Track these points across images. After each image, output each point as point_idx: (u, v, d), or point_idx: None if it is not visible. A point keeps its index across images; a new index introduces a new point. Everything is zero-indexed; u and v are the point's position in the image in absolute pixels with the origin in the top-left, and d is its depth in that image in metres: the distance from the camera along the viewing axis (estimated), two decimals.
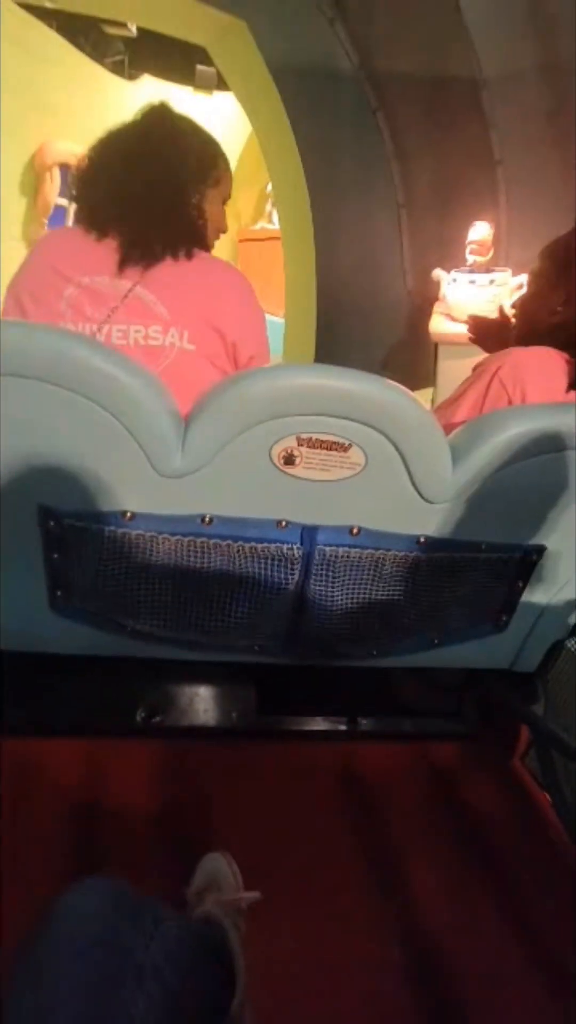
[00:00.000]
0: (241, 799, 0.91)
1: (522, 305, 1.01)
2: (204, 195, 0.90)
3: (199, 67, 4.17)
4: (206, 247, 0.90)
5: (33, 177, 3.58)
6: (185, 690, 0.98)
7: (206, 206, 0.90)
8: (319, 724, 1.03)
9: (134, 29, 3.84)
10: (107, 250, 0.82)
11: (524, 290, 1.99)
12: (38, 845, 0.79)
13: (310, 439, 0.64)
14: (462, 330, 2.10)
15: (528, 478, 0.70)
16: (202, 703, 0.99)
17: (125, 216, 0.82)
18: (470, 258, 2.09)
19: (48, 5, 2.61)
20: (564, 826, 0.92)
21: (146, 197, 0.83)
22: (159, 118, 0.90)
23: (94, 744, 0.95)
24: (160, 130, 0.89)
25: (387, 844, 0.87)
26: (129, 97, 4.17)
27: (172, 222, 0.84)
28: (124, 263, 0.81)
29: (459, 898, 0.81)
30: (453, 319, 2.07)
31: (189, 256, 0.84)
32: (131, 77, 4.27)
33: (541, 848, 0.90)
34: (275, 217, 3.55)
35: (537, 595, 0.83)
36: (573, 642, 0.91)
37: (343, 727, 1.04)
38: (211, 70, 3.84)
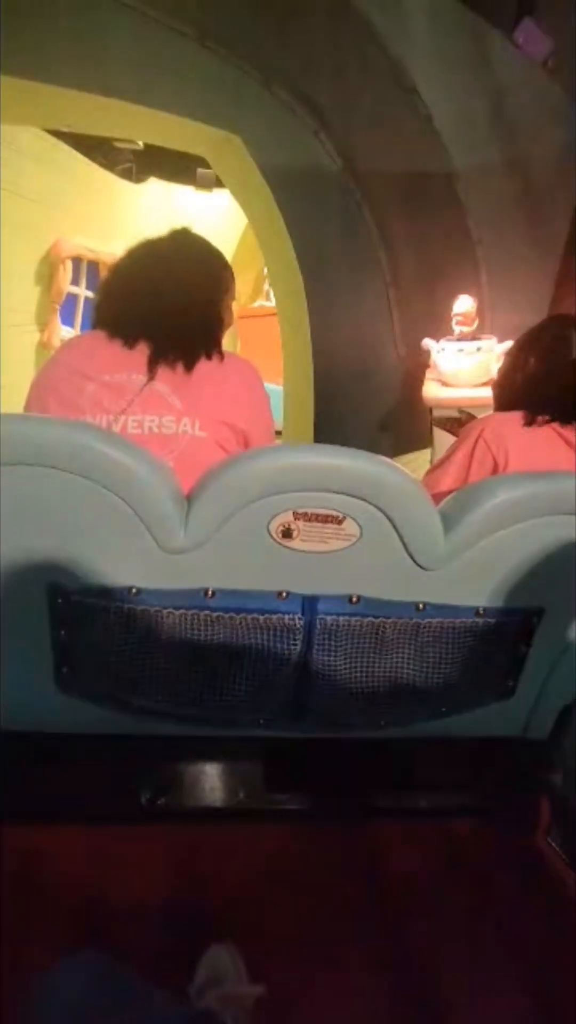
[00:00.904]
0: (250, 883, 0.86)
1: (500, 378, 1.12)
2: (226, 305, 0.99)
3: (199, 170, 4.61)
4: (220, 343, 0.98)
5: (48, 269, 3.89)
6: (191, 769, 0.96)
7: (224, 314, 0.99)
8: (331, 802, 1.00)
9: (141, 143, 4.29)
10: (127, 351, 0.89)
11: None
12: (39, 936, 0.75)
13: (306, 513, 0.67)
14: (453, 394, 2.20)
15: (520, 543, 0.72)
16: (209, 782, 0.96)
17: (156, 326, 0.89)
18: (457, 328, 2.22)
19: (65, 129, 2.94)
20: None
21: (177, 312, 0.91)
22: (184, 242, 0.99)
23: (97, 830, 0.91)
24: (186, 252, 0.98)
25: (403, 930, 0.82)
26: (137, 198, 4.61)
27: (200, 331, 0.92)
28: (153, 365, 0.87)
29: (480, 984, 0.75)
30: (445, 384, 2.16)
31: (210, 357, 0.92)
32: (138, 180, 4.72)
33: (565, 927, 0.84)
34: (272, 294, 3.79)
35: (542, 658, 0.82)
36: None
37: (356, 804, 1.00)
38: (210, 172, 4.24)
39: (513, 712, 0.85)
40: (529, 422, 0.97)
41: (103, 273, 3.60)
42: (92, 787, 0.92)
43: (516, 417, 0.99)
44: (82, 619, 0.73)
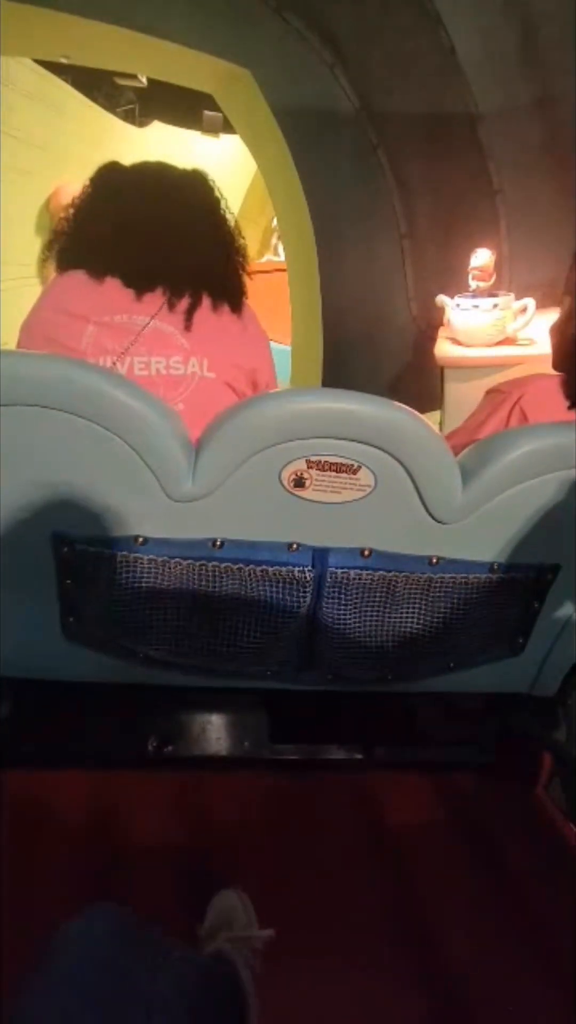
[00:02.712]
0: (255, 831, 0.88)
1: (556, 331, 0.93)
2: (231, 235, 0.94)
3: (206, 112, 4.37)
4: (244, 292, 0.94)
5: (48, 219, 3.74)
6: (197, 718, 0.97)
7: (233, 244, 0.94)
8: (334, 753, 1.01)
9: (144, 80, 4.05)
10: (126, 291, 0.84)
11: (528, 314, 2.00)
12: (44, 880, 0.77)
13: (319, 462, 0.65)
14: (467, 353, 2.12)
15: (539, 497, 0.69)
16: (214, 732, 0.97)
17: (160, 262, 0.85)
18: (473, 284, 2.13)
19: (63, 61, 2.76)
20: None
21: (183, 245, 0.86)
22: (164, 171, 0.93)
23: (103, 775, 0.93)
24: (172, 181, 0.92)
25: (405, 877, 0.84)
26: (140, 142, 4.38)
27: (209, 267, 0.87)
28: (161, 304, 0.83)
29: (480, 933, 0.77)
30: (458, 343, 2.09)
31: (227, 297, 0.88)
32: (141, 124, 4.48)
33: (566, 882, 0.86)
34: (280, 249, 3.64)
35: (554, 616, 0.81)
36: None
37: (359, 756, 1.01)
38: (217, 115, 4.03)
39: (521, 669, 0.85)
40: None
41: None
42: (99, 734, 0.94)
43: (555, 383, 0.85)
44: (88, 568, 0.72)
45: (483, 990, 0.71)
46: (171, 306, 0.84)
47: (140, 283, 0.84)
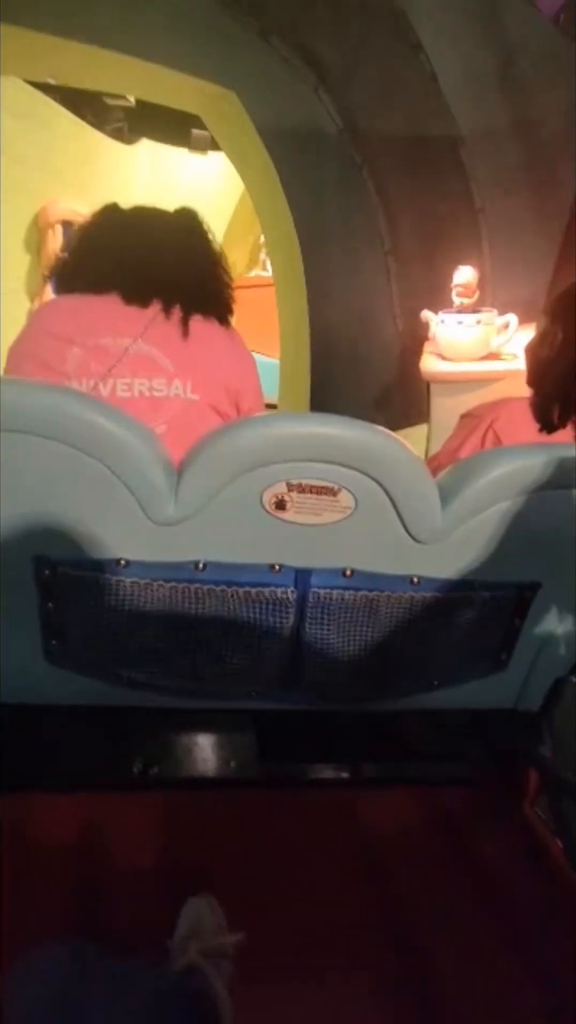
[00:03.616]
0: (243, 851, 0.87)
1: (531, 350, 0.96)
2: (220, 262, 0.97)
3: (194, 131, 4.42)
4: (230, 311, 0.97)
5: (37, 235, 3.75)
6: (183, 739, 0.96)
7: (222, 273, 0.97)
8: (322, 772, 1.01)
9: (132, 99, 4.10)
10: (112, 314, 0.85)
11: (510, 330, 2.04)
12: (34, 905, 0.76)
13: (299, 484, 0.65)
14: (452, 368, 2.15)
15: (517, 516, 0.70)
16: (200, 752, 0.96)
17: (151, 285, 0.87)
18: (457, 300, 2.16)
19: (52, 82, 2.80)
20: (574, 870, 0.88)
21: (174, 269, 0.89)
22: (158, 210, 0.97)
23: (90, 798, 0.92)
24: (166, 215, 0.96)
25: (393, 895, 0.84)
26: (128, 159, 4.42)
27: (198, 291, 0.90)
28: (145, 327, 0.85)
29: (467, 948, 0.77)
30: (443, 358, 2.12)
31: (217, 319, 0.91)
32: (130, 141, 4.52)
33: (554, 899, 0.86)
34: (268, 264, 3.68)
35: (535, 632, 0.82)
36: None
37: (346, 774, 1.01)
38: (205, 133, 4.07)
39: (505, 685, 0.86)
40: (550, 424, 0.84)
41: None
42: (83, 757, 0.93)
43: (527, 405, 0.88)
44: (70, 592, 0.72)
45: (470, 1006, 0.71)
46: (167, 315, 0.85)
47: (137, 297, 0.86)
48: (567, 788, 0.87)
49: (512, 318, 2.00)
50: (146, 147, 4.60)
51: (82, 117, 3.98)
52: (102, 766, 0.95)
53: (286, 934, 0.74)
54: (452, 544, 0.71)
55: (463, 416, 0.96)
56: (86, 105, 4.13)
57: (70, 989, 0.41)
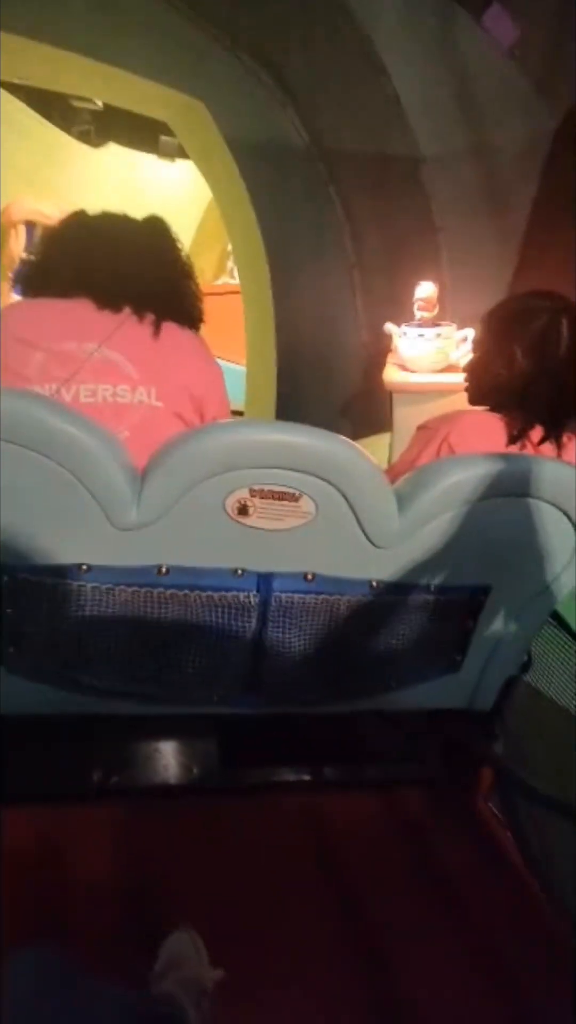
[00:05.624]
0: (206, 859, 0.87)
1: (471, 369, 1.03)
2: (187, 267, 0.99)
3: (162, 137, 4.41)
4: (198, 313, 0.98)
5: (0, 234, 3.67)
6: (143, 747, 0.95)
7: (189, 280, 0.98)
8: (283, 775, 1.02)
9: (100, 103, 4.07)
10: (77, 319, 0.85)
11: (468, 343, 2.12)
12: None
13: (262, 490, 0.67)
14: (413, 379, 2.22)
15: (471, 523, 0.74)
16: (162, 759, 0.96)
17: (120, 289, 0.87)
18: (418, 314, 2.24)
19: (18, 81, 2.75)
20: (527, 865, 0.92)
21: (142, 274, 0.89)
22: (125, 216, 0.97)
23: (47, 810, 0.90)
24: (134, 222, 0.96)
25: (354, 896, 0.85)
26: (95, 163, 4.38)
27: (165, 296, 0.91)
28: (110, 332, 0.85)
29: (427, 946, 0.79)
30: (405, 369, 2.18)
31: (184, 324, 0.91)
32: (97, 145, 4.48)
33: (508, 892, 0.89)
34: (236, 272, 3.70)
35: (488, 634, 0.86)
36: (528, 676, 0.93)
37: (307, 777, 1.02)
38: (173, 140, 4.07)
39: (460, 685, 0.89)
40: (515, 437, 0.87)
41: None
42: (43, 768, 0.91)
43: (481, 418, 0.92)
44: (29, 597, 0.71)
45: (432, 1009, 0.72)
46: (139, 320, 0.86)
47: (109, 303, 0.86)
48: (517, 782, 0.91)
49: (470, 332, 2.08)
50: (113, 151, 4.57)
51: (48, 118, 3.93)
52: (60, 776, 0.93)
53: (249, 945, 0.74)
54: (408, 549, 0.74)
55: (419, 428, 0.99)
56: (53, 106, 4.07)
57: (42, 999, 0.40)
